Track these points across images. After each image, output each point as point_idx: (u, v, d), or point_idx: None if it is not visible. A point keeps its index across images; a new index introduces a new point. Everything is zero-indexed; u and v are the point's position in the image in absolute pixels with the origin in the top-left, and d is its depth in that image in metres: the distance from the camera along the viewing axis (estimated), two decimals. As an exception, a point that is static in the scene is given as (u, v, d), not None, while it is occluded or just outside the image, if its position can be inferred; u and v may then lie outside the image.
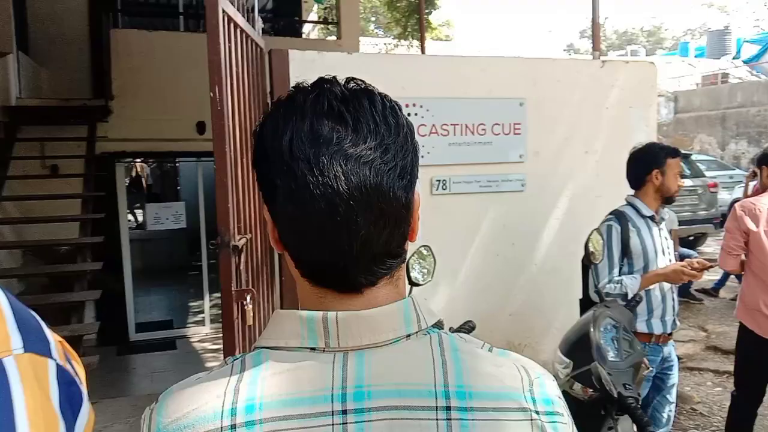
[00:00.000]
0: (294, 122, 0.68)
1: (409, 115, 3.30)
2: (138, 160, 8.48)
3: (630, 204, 2.87)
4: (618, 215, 2.87)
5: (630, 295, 2.67)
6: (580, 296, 2.99)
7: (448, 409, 0.66)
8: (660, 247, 2.80)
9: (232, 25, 2.32)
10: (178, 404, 0.68)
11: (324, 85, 0.72)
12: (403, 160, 0.69)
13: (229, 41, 2.28)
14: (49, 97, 7.16)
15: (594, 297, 2.56)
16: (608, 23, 44.79)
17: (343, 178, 0.65)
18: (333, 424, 0.64)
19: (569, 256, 3.67)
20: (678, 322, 2.89)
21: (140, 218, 11.06)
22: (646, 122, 3.80)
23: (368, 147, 0.66)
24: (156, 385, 5.97)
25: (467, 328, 2.21)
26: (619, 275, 2.71)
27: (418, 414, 0.65)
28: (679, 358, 3.06)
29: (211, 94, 2.09)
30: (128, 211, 8.51)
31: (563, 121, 3.62)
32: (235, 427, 0.64)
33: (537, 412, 0.69)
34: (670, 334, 2.83)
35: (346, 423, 0.64)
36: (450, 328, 2.32)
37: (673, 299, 2.83)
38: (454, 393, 0.66)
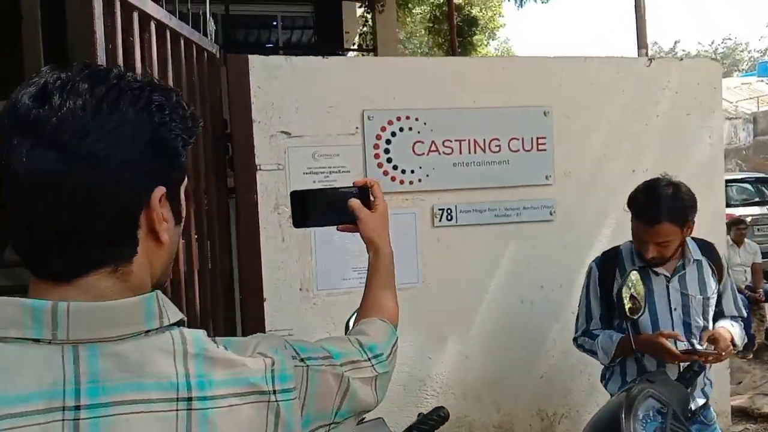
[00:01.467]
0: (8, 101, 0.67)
1: (401, 130, 2.69)
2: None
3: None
4: (605, 258, 2.26)
5: (602, 360, 2.11)
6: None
7: (190, 399, 0.67)
8: (665, 305, 2.08)
9: (136, 15, 1.80)
10: None
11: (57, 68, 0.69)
12: (108, 150, 0.65)
13: (130, 35, 1.76)
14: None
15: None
16: (679, 47, 43.14)
17: (27, 160, 0.64)
18: (64, 420, 0.62)
19: (615, 300, 2.93)
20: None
21: None
22: (710, 133, 3.05)
23: (63, 130, 0.64)
24: None
25: (436, 417, 1.54)
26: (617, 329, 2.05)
27: (157, 406, 0.65)
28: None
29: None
30: None
31: (601, 134, 2.92)
32: None
33: (274, 392, 0.73)
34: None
35: (79, 419, 0.63)
36: (419, 414, 1.66)
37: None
38: (196, 383, 0.67)
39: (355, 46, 9.07)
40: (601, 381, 2.34)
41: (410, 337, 2.72)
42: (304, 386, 0.78)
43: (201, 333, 0.72)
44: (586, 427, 1.74)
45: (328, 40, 9.15)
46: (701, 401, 2.09)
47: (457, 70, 2.76)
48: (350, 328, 1.23)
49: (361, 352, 0.94)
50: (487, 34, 20.99)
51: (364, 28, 9.20)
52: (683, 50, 42.86)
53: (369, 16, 8.78)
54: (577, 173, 2.89)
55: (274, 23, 10.39)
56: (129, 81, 0.70)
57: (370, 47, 8.28)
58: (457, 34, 9.68)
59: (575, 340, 2.32)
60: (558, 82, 2.86)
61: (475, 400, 2.82)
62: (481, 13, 16.19)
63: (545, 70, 2.85)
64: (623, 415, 1.53)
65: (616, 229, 2.93)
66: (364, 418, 1.65)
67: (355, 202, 1.14)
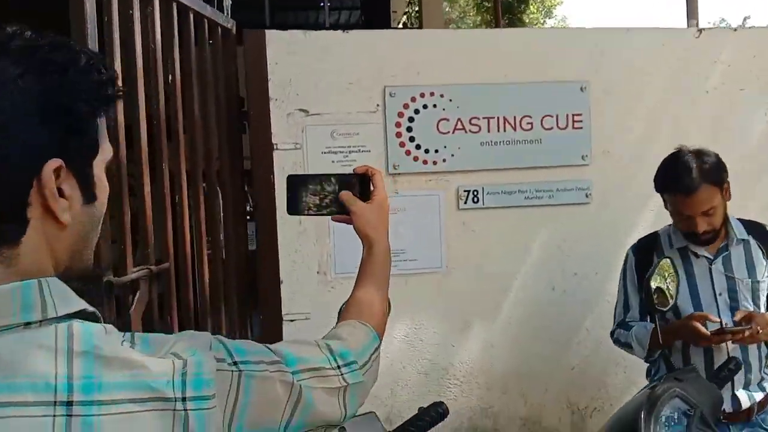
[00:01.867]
0: None
1: (425, 107, 2.56)
2: None
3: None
4: (643, 243, 2.14)
5: (638, 354, 1.97)
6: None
7: (70, 404, 0.58)
8: (708, 289, 1.92)
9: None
10: None
11: None
12: None
13: (128, 7, 1.70)
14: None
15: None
16: (749, 23, 40.89)
17: None
18: None
19: (656, 290, 2.73)
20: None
21: None
22: (766, 110, 2.79)
23: None
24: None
25: (434, 413, 1.43)
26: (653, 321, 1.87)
27: (30, 411, 0.57)
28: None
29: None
30: None
31: (644, 110, 2.71)
32: None
33: (183, 399, 0.63)
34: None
35: None
36: (419, 409, 1.55)
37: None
38: (80, 386, 0.59)
39: (401, 26, 8.91)
40: (646, 377, 2.19)
41: (433, 324, 2.62)
42: (234, 394, 0.68)
43: (98, 327, 0.63)
44: (605, 426, 1.60)
45: (375, 20, 9.03)
46: (759, 396, 1.91)
47: (486, 42, 2.60)
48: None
49: (328, 359, 0.85)
50: (543, 12, 20.36)
51: (411, 8, 9.02)
52: (753, 26, 40.52)
53: (416, -6, 8.60)
54: (617, 153, 2.70)
55: (321, 3, 10.32)
56: (23, 38, 0.63)
57: (416, 26, 8.10)
58: (506, 10, 9.37)
59: (612, 333, 2.18)
60: (597, 55, 2.66)
61: (501, 391, 2.69)
62: (535, -10, 15.71)
63: (583, 42, 2.66)
64: (643, 416, 1.38)
65: (658, 213, 2.71)
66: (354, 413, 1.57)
67: (346, 194, 1.06)
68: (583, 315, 2.72)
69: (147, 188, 1.73)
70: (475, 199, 2.59)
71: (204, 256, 2.09)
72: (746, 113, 2.78)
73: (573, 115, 2.63)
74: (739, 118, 2.77)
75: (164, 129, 1.84)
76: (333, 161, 2.49)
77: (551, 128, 2.62)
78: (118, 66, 1.62)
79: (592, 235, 2.70)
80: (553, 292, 2.70)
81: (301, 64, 2.46)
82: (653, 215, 2.73)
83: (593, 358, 2.74)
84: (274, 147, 2.45)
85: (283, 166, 2.47)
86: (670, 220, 2.69)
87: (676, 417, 1.44)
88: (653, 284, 1.66)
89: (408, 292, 2.58)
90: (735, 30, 2.78)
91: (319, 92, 2.48)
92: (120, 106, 1.61)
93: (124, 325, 1.61)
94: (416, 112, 2.52)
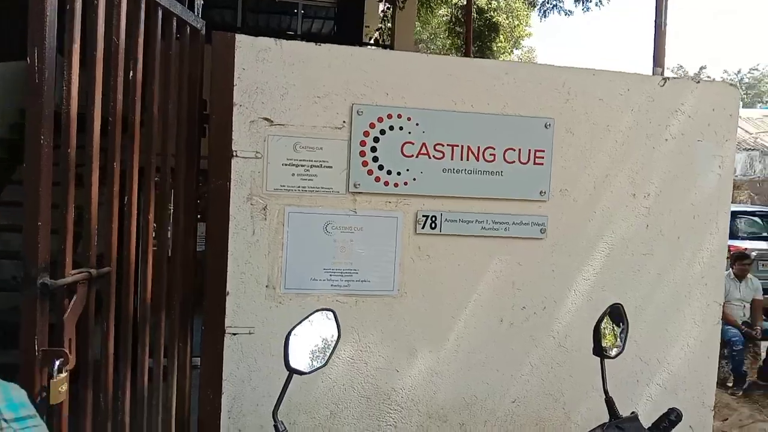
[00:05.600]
0: None
1: (391, 129, 2.54)
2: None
3: None
4: None
5: None
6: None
7: None
8: None
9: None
10: None
11: None
12: None
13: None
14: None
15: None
16: (705, 72, 42.60)
17: None
18: None
19: (602, 330, 2.76)
20: None
21: None
22: (721, 162, 2.87)
23: None
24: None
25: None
26: None
27: None
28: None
29: (27, 60, 1.42)
30: None
31: (604, 153, 2.75)
32: None
33: (5, 420, 0.72)
34: None
35: None
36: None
37: None
38: None
39: (372, 42, 8.92)
40: None
41: (379, 348, 2.58)
42: None
43: None
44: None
45: (347, 33, 9.02)
46: None
47: (456, 70, 2.60)
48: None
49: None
50: (512, 42, 20.75)
51: (384, 24, 9.05)
52: (708, 76, 42.33)
53: (389, 12, 8.63)
54: (575, 192, 2.73)
55: (295, 11, 10.27)
56: None
57: (387, 44, 8.12)
58: (476, 38, 9.50)
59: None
60: (564, 93, 2.69)
61: (441, 420, 2.67)
62: (507, 21, 15.96)
63: (551, 79, 2.69)
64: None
65: (611, 254, 2.78)
66: None
67: None
68: (528, 349, 2.73)
69: (95, 179, 1.65)
70: (433, 225, 2.57)
71: (149, 258, 2.00)
72: (701, 164, 2.85)
73: (536, 150, 2.65)
74: (694, 168, 2.84)
75: (119, 121, 1.76)
76: (293, 174, 2.44)
77: (513, 161, 2.63)
78: (76, 53, 1.54)
79: (543, 270, 2.71)
80: (501, 324, 2.69)
81: (269, 72, 2.40)
82: (603, 256, 2.77)
83: (534, 393, 2.74)
84: (233, 154, 2.38)
85: (241, 174, 2.41)
86: (622, 264, 2.74)
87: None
88: (603, 328, 1.66)
89: (357, 313, 2.54)
90: (698, 82, 2.85)
91: (285, 103, 2.43)
92: (74, 93, 1.54)
93: (56, 332, 1.52)
94: (382, 132, 2.49)
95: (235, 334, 2.44)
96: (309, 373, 1.53)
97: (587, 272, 2.77)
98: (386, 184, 2.52)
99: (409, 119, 2.52)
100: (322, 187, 2.48)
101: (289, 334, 1.48)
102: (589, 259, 2.77)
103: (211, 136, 2.36)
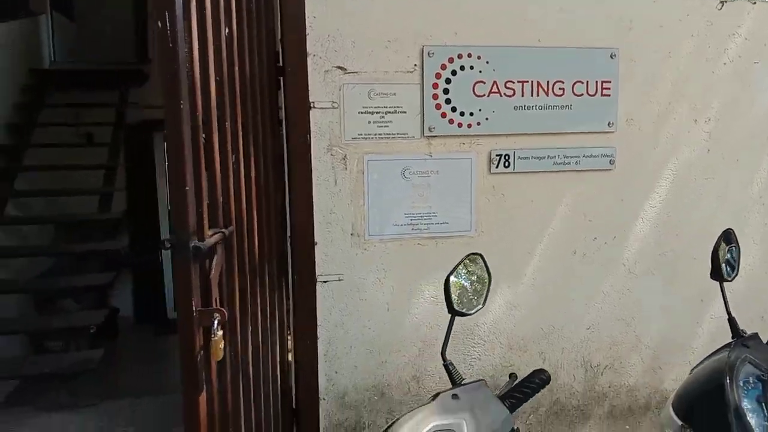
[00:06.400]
0: None
1: (462, 69, 2.53)
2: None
3: None
4: None
5: None
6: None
7: None
8: None
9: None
10: None
11: None
12: None
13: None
14: (85, 60, 6.74)
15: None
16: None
17: None
18: None
19: (667, 255, 2.86)
20: None
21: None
22: (778, 82, 2.89)
23: None
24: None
25: (538, 380, 1.46)
26: None
27: None
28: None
29: (158, 24, 1.41)
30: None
31: (667, 79, 2.76)
32: None
33: None
34: None
35: None
36: (511, 375, 1.58)
37: None
38: None
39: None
40: None
41: (460, 286, 2.64)
42: None
43: None
44: (684, 385, 1.67)
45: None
46: None
47: (521, 5, 2.57)
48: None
49: None
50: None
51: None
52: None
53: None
54: (641, 121, 2.75)
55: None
56: None
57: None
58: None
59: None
60: (626, 22, 2.68)
61: (522, 350, 2.77)
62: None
63: (614, 8, 2.67)
64: (727, 382, 1.46)
65: (675, 180, 2.82)
66: (464, 379, 1.59)
67: None
68: (600, 278, 2.81)
69: (216, 147, 1.66)
70: (506, 164, 2.60)
71: (264, 218, 2.03)
72: (757, 84, 2.87)
73: (602, 81, 2.66)
74: (750, 89, 2.86)
75: (237, 88, 1.75)
76: (369, 121, 2.45)
77: (582, 94, 2.64)
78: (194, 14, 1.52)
79: (612, 201, 2.77)
80: (574, 255, 2.76)
81: (340, 20, 2.37)
82: (668, 183, 2.82)
83: (606, 320, 2.84)
84: (311, 105, 2.38)
85: (320, 125, 2.41)
86: (686, 190, 2.79)
87: (751, 381, 1.52)
88: (720, 256, 1.70)
89: (437, 254, 2.60)
90: (754, 3, 2.83)
91: (356, 50, 2.40)
92: (195, 54, 1.53)
93: (204, 293, 1.56)
94: (453, 73, 2.48)
95: (325, 281, 2.49)
96: (471, 314, 1.59)
97: (653, 200, 2.82)
98: (459, 125, 2.53)
99: (479, 58, 2.50)
100: (397, 133, 2.48)
101: (448, 279, 1.54)
102: (655, 187, 2.82)
103: (287, 89, 2.35)
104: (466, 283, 1.58)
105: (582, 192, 2.72)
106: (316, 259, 2.46)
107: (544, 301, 2.76)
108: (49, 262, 5.62)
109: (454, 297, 1.53)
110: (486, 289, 1.63)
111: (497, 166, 2.59)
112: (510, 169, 2.61)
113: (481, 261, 1.62)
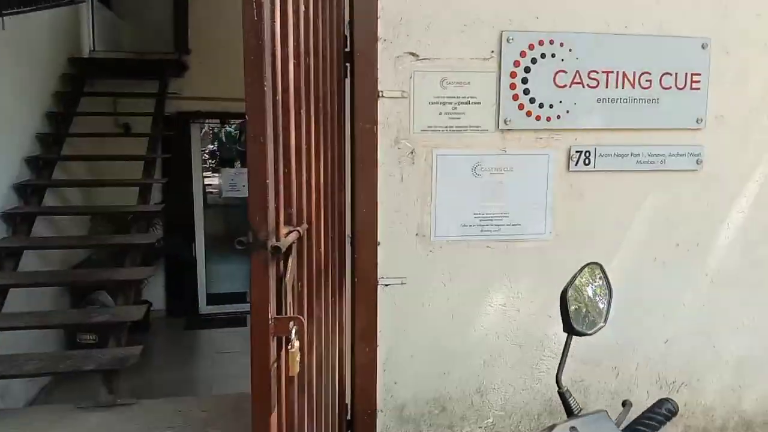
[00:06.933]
0: None
1: (543, 57, 2.31)
2: (214, 120, 7.90)
3: None
4: None
5: None
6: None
7: None
8: None
9: None
10: None
11: None
12: None
13: None
14: (124, 50, 6.65)
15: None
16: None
17: None
18: None
19: (755, 264, 2.62)
20: None
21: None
22: None
23: None
24: (216, 369, 5.38)
25: (666, 411, 1.26)
26: None
27: None
28: None
29: (240, -9, 1.23)
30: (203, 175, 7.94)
31: (760, 73, 2.52)
32: None
33: None
34: None
35: None
36: (624, 403, 1.37)
37: None
38: None
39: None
40: None
41: (530, 293, 2.44)
42: None
43: None
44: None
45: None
46: None
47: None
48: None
49: None
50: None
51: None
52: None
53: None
54: (730, 118, 2.51)
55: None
56: None
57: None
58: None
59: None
60: (720, 9, 2.44)
61: (594, 364, 2.56)
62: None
63: (707, -6, 2.44)
64: None
65: (765, 184, 2.58)
66: (581, 409, 1.40)
67: None
68: (682, 288, 2.59)
69: (293, 138, 1.48)
70: (587, 161, 2.39)
71: (330, 215, 1.85)
72: None
73: (692, 74, 2.43)
74: None
75: (310, 74, 1.58)
76: (441, 113, 2.26)
77: (669, 87, 2.41)
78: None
79: (697, 204, 2.54)
80: (654, 263, 2.54)
81: (412, 1, 2.18)
82: (758, 186, 2.59)
83: (686, 333, 2.62)
84: (380, 94, 2.19)
85: (387, 116, 2.22)
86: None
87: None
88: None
89: (508, 258, 2.40)
90: None
91: (430, 34, 2.21)
92: (277, 29, 1.34)
93: (278, 298, 1.39)
94: (533, 61, 2.28)
95: (387, 285, 2.31)
96: (591, 333, 1.39)
97: (741, 204, 2.59)
98: (537, 118, 2.32)
99: (561, 45, 2.30)
100: (470, 126, 2.29)
101: (565, 293, 1.34)
102: (743, 190, 2.58)
103: (356, 77, 2.17)
104: (585, 297, 1.37)
105: (666, 194, 2.50)
106: (378, 261, 2.28)
107: (621, 312, 2.52)
108: (84, 254, 5.54)
109: (571, 313, 1.33)
110: (607, 305, 1.42)
111: (576, 164, 2.38)
112: (590, 167, 2.40)
113: (599, 271, 1.42)
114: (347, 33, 2.17)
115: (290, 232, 1.45)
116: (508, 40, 2.25)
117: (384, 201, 2.26)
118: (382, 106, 2.20)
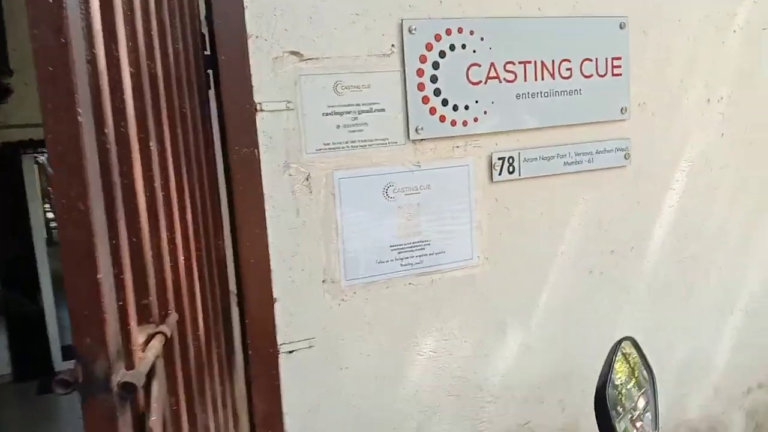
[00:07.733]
0: None
1: (452, 48, 1.76)
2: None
3: None
4: None
5: None
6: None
7: None
8: None
9: None
10: None
11: None
12: None
13: None
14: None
15: None
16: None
17: None
18: None
19: (685, 262, 2.40)
20: None
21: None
22: (787, 51, 2.51)
23: None
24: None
25: None
26: None
27: None
28: None
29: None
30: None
31: (677, 53, 2.29)
32: None
33: None
34: None
35: None
36: None
37: None
38: None
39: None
40: None
41: (464, 332, 2.04)
42: None
43: None
44: None
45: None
46: None
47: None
48: None
49: None
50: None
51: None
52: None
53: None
54: (652, 104, 2.26)
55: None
56: None
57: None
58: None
59: None
60: (633, -15, 2.17)
61: (538, 402, 2.21)
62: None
63: (618, -32, 2.15)
64: None
65: (691, 174, 2.37)
66: None
67: None
68: (619, 300, 2.31)
69: (141, 197, 0.95)
70: (511, 169, 2.01)
71: (193, 260, 1.31)
72: (764, 55, 2.48)
73: (613, 58, 2.14)
74: (761, 59, 2.46)
75: (159, 96, 1.04)
76: (338, 125, 1.78)
77: (591, 75, 2.10)
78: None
79: (628, 204, 2.26)
80: (591, 275, 2.24)
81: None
82: (685, 176, 2.36)
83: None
84: (257, 108, 1.67)
85: (271, 134, 1.71)
86: (699, 184, 2.35)
87: None
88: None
89: (433, 295, 1.98)
90: (759, -39, 2.44)
91: (314, 27, 1.72)
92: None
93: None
94: (441, 55, 1.86)
95: (291, 351, 1.80)
96: None
97: (671, 198, 2.35)
98: (453, 123, 1.91)
99: (471, 33, 1.90)
100: (375, 139, 1.83)
101: (602, 395, 0.93)
102: (670, 182, 2.35)
103: (222, 86, 1.63)
104: (624, 393, 0.96)
105: (596, 195, 2.19)
106: (276, 322, 1.76)
107: (561, 336, 2.21)
108: None
109: (613, 416, 0.91)
110: (653, 394, 1.02)
111: (500, 173, 2.00)
112: (515, 175, 2.03)
113: (634, 347, 1.01)
114: (205, 31, 1.63)
115: (151, 337, 0.92)
116: (410, 31, 1.82)
117: (277, 244, 1.74)
118: (263, 123, 1.69)
